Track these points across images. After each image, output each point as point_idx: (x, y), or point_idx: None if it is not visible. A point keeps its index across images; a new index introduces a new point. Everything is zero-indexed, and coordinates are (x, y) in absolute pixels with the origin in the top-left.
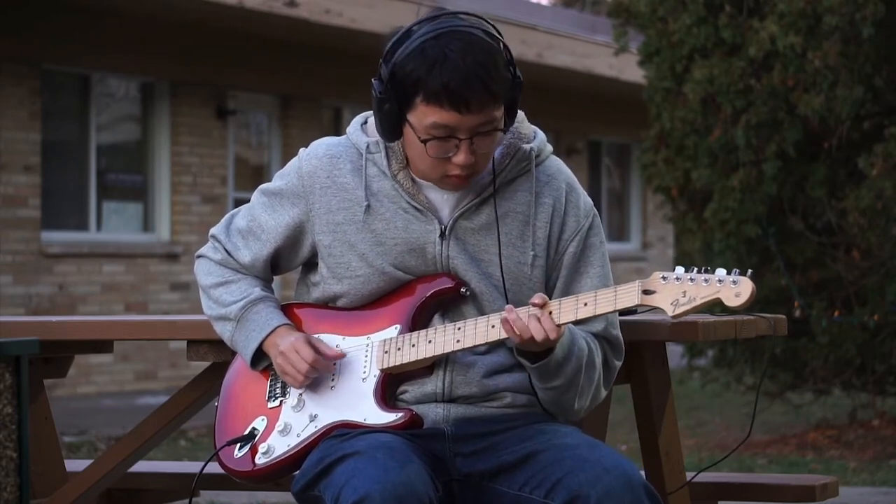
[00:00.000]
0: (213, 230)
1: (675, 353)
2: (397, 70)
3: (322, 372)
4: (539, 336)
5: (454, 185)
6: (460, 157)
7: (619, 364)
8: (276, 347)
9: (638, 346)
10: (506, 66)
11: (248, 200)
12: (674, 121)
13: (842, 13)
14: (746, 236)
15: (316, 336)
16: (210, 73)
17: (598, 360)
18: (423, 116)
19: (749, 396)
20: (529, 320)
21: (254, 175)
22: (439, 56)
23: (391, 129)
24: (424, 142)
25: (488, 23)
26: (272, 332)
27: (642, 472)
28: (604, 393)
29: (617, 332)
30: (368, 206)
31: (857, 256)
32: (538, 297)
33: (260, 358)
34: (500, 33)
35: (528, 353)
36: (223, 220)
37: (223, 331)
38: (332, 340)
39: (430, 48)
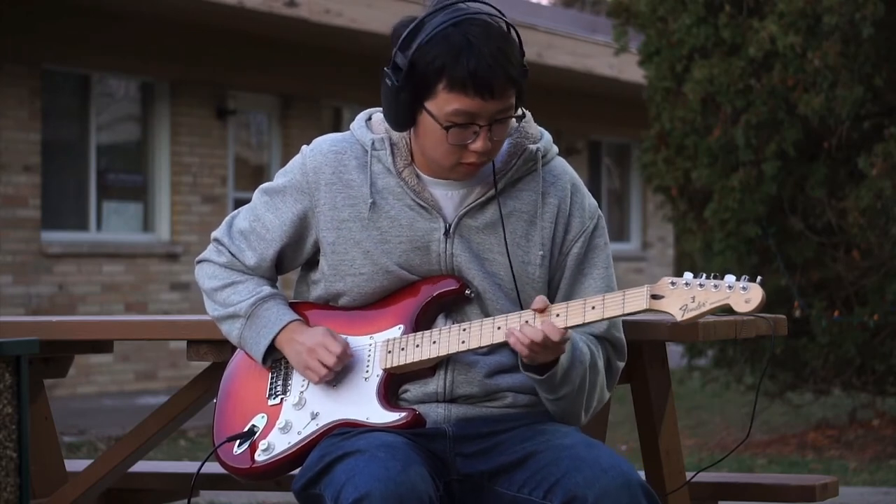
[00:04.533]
0: (214, 233)
1: (675, 353)
2: (418, 58)
3: (342, 366)
4: (538, 337)
5: (465, 174)
6: (478, 144)
7: (621, 365)
8: (295, 343)
9: (638, 346)
10: (519, 52)
11: (248, 200)
12: (674, 121)
13: (842, 13)
14: (746, 236)
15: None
16: (210, 73)
17: (601, 362)
18: (445, 104)
19: (749, 396)
20: (524, 327)
21: (254, 175)
22: (463, 43)
23: (404, 118)
24: (447, 128)
25: (496, 9)
26: (284, 327)
27: (641, 473)
28: (607, 395)
29: (619, 333)
30: (374, 203)
31: (857, 256)
32: (539, 301)
33: (270, 354)
34: (506, 18)
35: (535, 367)
36: (224, 223)
37: (231, 329)
38: None
39: (453, 35)
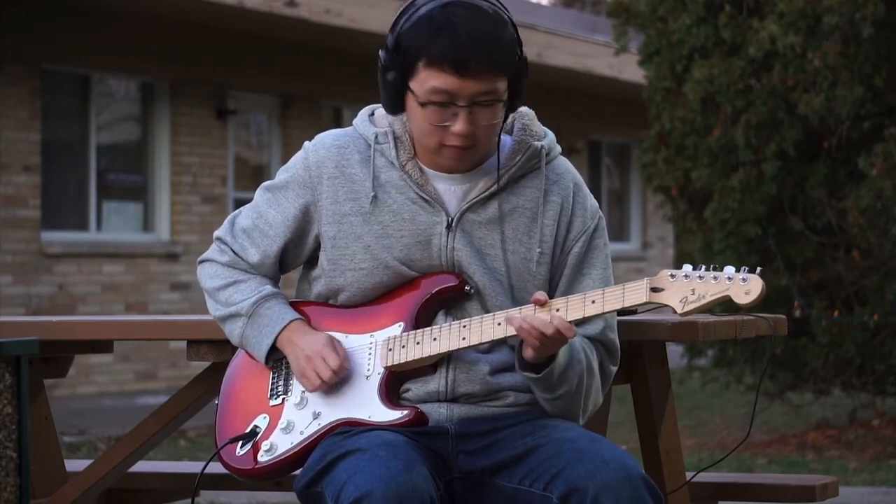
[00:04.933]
0: (216, 232)
1: (675, 353)
2: (402, 38)
3: (337, 379)
4: (549, 330)
5: (451, 157)
6: (458, 126)
7: (614, 369)
8: (295, 346)
9: (638, 346)
10: (512, 40)
11: (248, 200)
12: (674, 121)
13: (842, 13)
14: (746, 236)
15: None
16: (210, 73)
17: (595, 364)
18: (424, 81)
19: (749, 396)
20: (534, 317)
21: (254, 175)
22: (444, 22)
23: (393, 99)
24: (423, 105)
25: (499, 2)
26: (286, 326)
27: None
28: (601, 399)
29: (614, 336)
30: (375, 196)
31: (857, 256)
32: (540, 294)
33: (272, 354)
34: (508, 12)
35: (532, 365)
36: (226, 222)
37: (233, 329)
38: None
39: (437, 15)
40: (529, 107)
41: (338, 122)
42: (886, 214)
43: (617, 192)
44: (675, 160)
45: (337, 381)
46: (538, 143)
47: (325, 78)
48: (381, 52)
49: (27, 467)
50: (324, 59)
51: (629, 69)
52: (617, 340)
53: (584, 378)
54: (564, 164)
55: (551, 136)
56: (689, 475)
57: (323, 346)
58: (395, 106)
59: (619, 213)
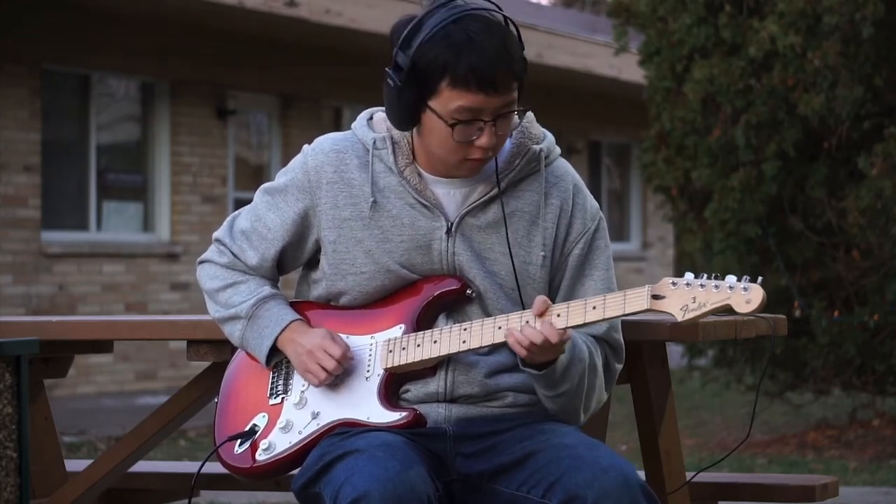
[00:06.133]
0: (216, 234)
1: (675, 353)
2: (419, 57)
3: (341, 370)
4: (538, 339)
5: (470, 170)
6: (483, 140)
7: (619, 367)
8: (296, 344)
9: (638, 346)
10: (520, 47)
11: (248, 200)
12: (674, 121)
13: (842, 13)
14: (746, 236)
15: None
16: (210, 73)
17: (599, 362)
18: (449, 101)
19: (749, 396)
20: (524, 328)
21: (254, 175)
22: (464, 39)
23: (408, 118)
24: (452, 126)
25: (494, 4)
26: (286, 327)
27: (641, 473)
28: (605, 396)
29: (618, 335)
30: (375, 201)
31: (857, 256)
32: (540, 302)
33: (273, 355)
34: (504, 13)
35: (534, 363)
36: (225, 223)
37: (233, 330)
38: None
39: (454, 32)
40: (529, 108)
41: (338, 122)
42: (886, 214)
43: (617, 192)
44: (675, 160)
45: (340, 375)
46: (537, 147)
47: (325, 78)
48: (389, 71)
49: (27, 467)
50: (324, 59)
51: (629, 69)
52: (621, 339)
53: (585, 376)
54: (564, 165)
55: (550, 137)
56: (689, 475)
57: (322, 338)
58: (410, 124)
59: (619, 213)
